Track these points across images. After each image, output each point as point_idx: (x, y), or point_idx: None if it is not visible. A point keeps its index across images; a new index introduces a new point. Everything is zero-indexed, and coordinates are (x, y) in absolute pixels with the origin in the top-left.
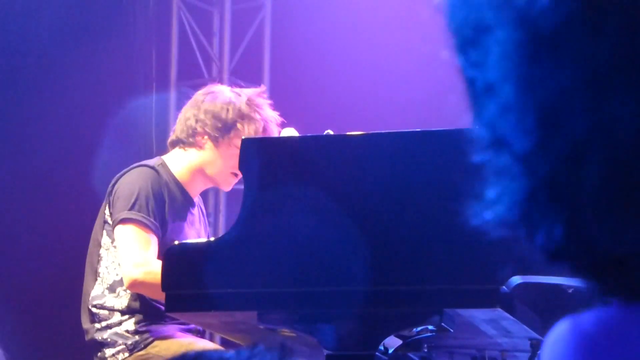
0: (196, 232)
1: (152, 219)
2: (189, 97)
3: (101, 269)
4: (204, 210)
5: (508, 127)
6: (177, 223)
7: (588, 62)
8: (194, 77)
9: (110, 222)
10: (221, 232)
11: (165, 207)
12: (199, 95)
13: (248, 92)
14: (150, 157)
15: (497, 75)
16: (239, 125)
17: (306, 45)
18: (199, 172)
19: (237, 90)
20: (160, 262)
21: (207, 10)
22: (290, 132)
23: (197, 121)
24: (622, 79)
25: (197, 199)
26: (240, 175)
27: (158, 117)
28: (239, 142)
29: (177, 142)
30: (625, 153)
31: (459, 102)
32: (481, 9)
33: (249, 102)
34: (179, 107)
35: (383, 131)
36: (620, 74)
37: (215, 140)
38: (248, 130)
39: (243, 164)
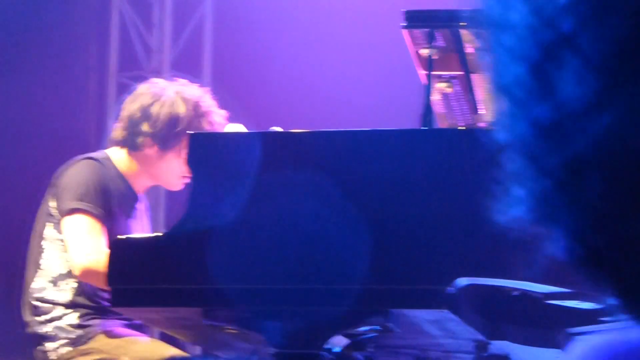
0: (141, 226)
1: (100, 210)
2: (128, 89)
3: (42, 262)
4: (148, 205)
5: (523, 127)
6: (122, 217)
7: (600, 61)
8: (133, 69)
9: (54, 214)
10: (161, 227)
11: (112, 200)
12: (144, 98)
13: (194, 94)
14: (87, 149)
15: (515, 75)
16: (187, 134)
17: (248, 38)
18: (144, 171)
19: (182, 91)
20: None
21: (147, 1)
22: (236, 127)
23: (143, 132)
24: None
25: (142, 195)
26: (187, 178)
27: (96, 108)
28: (185, 149)
29: (121, 144)
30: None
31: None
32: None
33: (196, 109)
34: (118, 99)
35: (333, 129)
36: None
37: (163, 151)
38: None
39: (191, 159)
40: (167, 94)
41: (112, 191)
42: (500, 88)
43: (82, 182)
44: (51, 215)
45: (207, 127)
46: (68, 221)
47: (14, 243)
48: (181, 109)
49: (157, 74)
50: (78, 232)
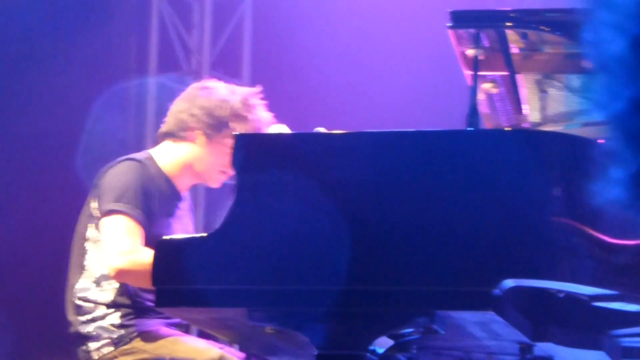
0: (183, 226)
1: (138, 211)
2: (168, 89)
3: (87, 262)
4: (192, 205)
5: (622, 104)
6: (164, 217)
7: None
8: (173, 70)
9: (96, 215)
10: (200, 227)
11: (152, 200)
12: (193, 89)
13: (243, 91)
14: (127, 150)
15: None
16: (231, 124)
17: (287, 38)
18: (188, 167)
19: (233, 87)
20: (146, 251)
21: (187, 2)
22: (280, 128)
23: (190, 115)
24: None
25: (185, 194)
26: (229, 174)
27: (136, 109)
28: (230, 141)
29: (168, 135)
30: None
31: (446, 99)
32: None
33: (244, 101)
34: (157, 100)
35: (377, 130)
36: None
37: (207, 137)
38: (240, 130)
39: (236, 160)
40: (217, 86)
41: (153, 192)
42: (600, 65)
43: (122, 184)
44: (93, 216)
45: (252, 122)
46: (105, 222)
47: (59, 244)
48: (229, 100)
49: (197, 74)
50: (114, 232)
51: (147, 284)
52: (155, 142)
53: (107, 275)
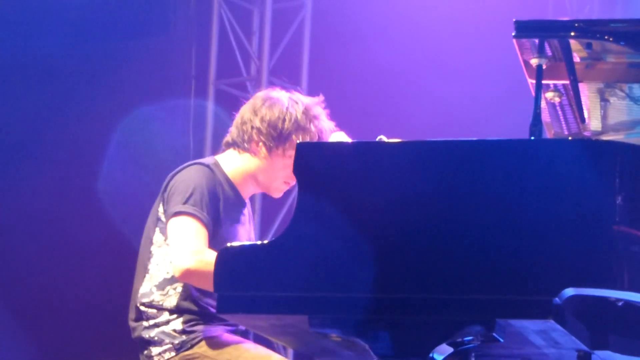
0: (246, 232)
1: (205, 214)
2: (227, 95)
3: (151, 266)
4: (251, 212)
5: None
6: (229, 222)
7: None
8: (233, 76)
9: (163, 219)
10: (255, 233)
11: (219, 204)
12: (257, 99)
13: (306, 101)
14: (187, 155)
15: None
16: (294, 137)
17: (345, 45)
18: (252, 176)
19: (296, 97)
20: (211, 253)
21: (247, 8)
22: (340, 136)
23: (252, 128)
24: None
25: (247, 201)
26: (291, 184)
27: (196, 115)
28: (293, 152)
29: (232, 145)
30: None
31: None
32: None
33: (306, 112)
34: (217, 105)
35: (440, 139)
36: None
37: (269, 149)
38: (302, 140)
39: (298, 169)
40: (280, 96)
41: (220, 196)
42: None
43: (191, 187)
44: (160, 220)
45: (314, 132)
46: (173, 223)
47: (128, 249)
48: (291, 110)
49: (256, 80)
50: (181, 233)
51: (210, 286)
52: (214, 150)
53: (170, 280)
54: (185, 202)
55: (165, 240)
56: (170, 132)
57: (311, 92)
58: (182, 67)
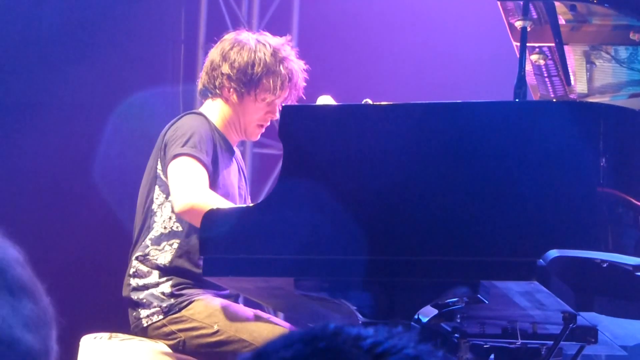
0: (236, 180)
1: (204, 155)
2: None
3: (150, 222)
4: (242, 163)
5: None
6: (225, 169)
7: None
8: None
9: (162, 177)
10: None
11: (217, 150)
12: (225, 42)
13: (274, 42)
14: (177, 113)
15: None
16: (264, 80)
17: (335, 9)
18: (229, 122)
19: (263, 39)
20: (212, 193)
21: None
22: (326, 99)
23: (222, 74)
24: None
25: (235, 149)
26: (264, 126)
27: (185, 78)
28: (264, 96)
29: (205, 92)
30: None
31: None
32: None
33: (275, 54)
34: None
35: (425, 101)
36: None
37: (240, 95)
38: (273, 84)
39: (282, 132)
40: (247, 39)
41: (216, 142)
42: None
43: (188, 132)
44: (158, 177)
45: (284, 74)
46: (173, 165)
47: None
48: (259, 54)
49: None
50: (182, 173)
51: None
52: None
53: (167, 235)
54: (183, 145)
55: (166, 197)
56: (160, 96)
57: (301, 56)
58: (171, 31)
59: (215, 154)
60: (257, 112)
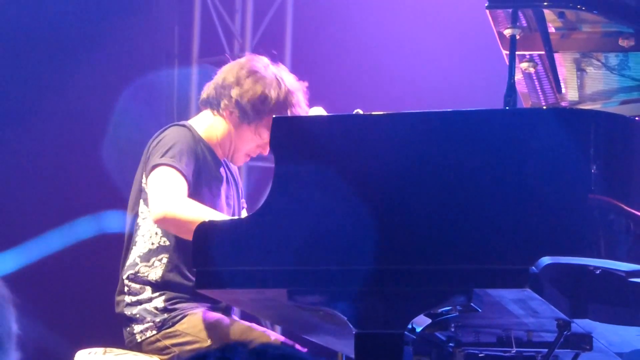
0: (225, 190)
1: (183, 165)
2: (210, 74)
3: (137, 238)
4: (235, 174)
5: None
6: (211, 180)
7: None
8: (215, 54)
9: (147, 190)
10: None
11: (199, 161)
12: (244, 69)
13: (290, 84)
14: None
15: None
16: (267, 118)
17: (328, 22)
18: (221, 141)
19: (281, 76)
20: (191, 201)
21: None
22: (318, 110)
23: (231, 97)
24: None
25: (225, 160)
26: (252, 157)
27: (180, 93)
28: (263, 131)
29: (207, 103)
30: None
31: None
32: None
33: (287, 97)
34: (200, 84)
35: (416, 111)
36: None
37: (241, 122)
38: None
39: (274, 142)
40: (267, 74)
41: (200, 155)
42: None
43: (169, 143)
44: (143, 190)
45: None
46: (152, 175)
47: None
48: (273, 92)
49: (239, 59)
50: (159, 182)
51: (188, 234)
52: None
53: (155, 251)
54: (162, 156)
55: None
56: (155, 111)
57: (294, 69)
58: (165, 45)
59: (198, 165)
60: (250, 142)
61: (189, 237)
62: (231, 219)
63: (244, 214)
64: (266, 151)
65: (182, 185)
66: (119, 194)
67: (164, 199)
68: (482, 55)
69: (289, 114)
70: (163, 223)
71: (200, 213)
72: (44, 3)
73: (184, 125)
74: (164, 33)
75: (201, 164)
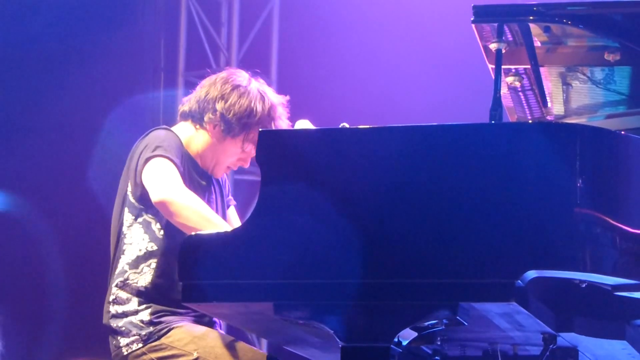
0: (206, 195)
1: (176, 160)
2: (196, 87)
3: (125, 247)
4: (224, 180)
5: None
6: (193, 184)
7: None
8: (201, 67)
9: (131, 198)
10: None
11: (184, 164)
12: (227, 83)
13: (273, 98)
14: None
15: None
16: (253, 132)
17: (314, 36)
18: (202, 153)
19: (263, 91)
20: (191, 192)
21: (215, 0)
22: (304, 124)
23: (215, 110)
24: None
25: (208, 170)
26: (232, 169)
27: (165, 106)
28: (247, 145)
29: (188, 116)
30: None
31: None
32: None
33: (270, 112)
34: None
35: (401, 125)
36: None
37: (225, 135)
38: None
39: (260, 156)
40: (250, 88)
41: (184, 156)
42: None
43: (157, 142)
44: (127, 199)
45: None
46: (147, 167)
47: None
48: (258, 107)
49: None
50: (156, 171)
51: (186, 220)
52: None
53: (144, 257)
54: (154, 150)
55: (135, 219)
56: (140, 124)
57: (280, 83)
58: (151, 59)
59: (184, 165)
60: (233, 155)
61: (185, 224)
62: (218, 233)
63: (232, 211)
64: (247, 164)
65: (177, 174)
66: (104, 205)
67: (166, 184)
68: (468, 69)
69: (272, 127)
70: (164, 206)
71: (200, 205)
72: (29, 18)
73: (167, 129)
74: (150, 46)
75: (185, 168)
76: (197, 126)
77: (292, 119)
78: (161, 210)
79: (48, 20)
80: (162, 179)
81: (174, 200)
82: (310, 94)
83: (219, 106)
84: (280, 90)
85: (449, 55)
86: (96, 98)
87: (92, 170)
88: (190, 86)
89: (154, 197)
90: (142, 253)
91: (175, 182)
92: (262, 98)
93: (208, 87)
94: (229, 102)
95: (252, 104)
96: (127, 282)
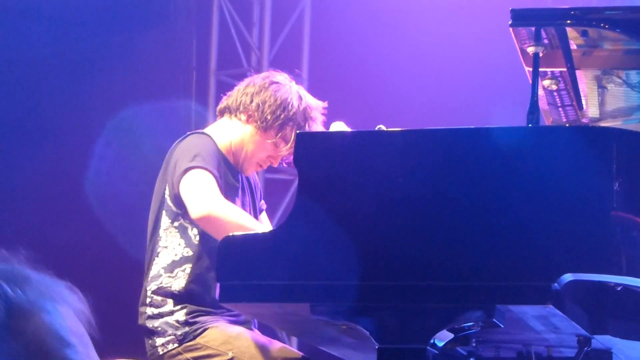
0: (241, 196)
1: (214, 170)
2: (228, 86)
3: (160, 250)
4: (252, 179)
5: None
6: (225, 189)
7: None
8: (233, 67)
9: (169, 201)
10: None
11: (220, 166)
12: (267, 79)
13: (310, 101)
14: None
15: None
16: (287, 128)
17: (345, 36)
18: (235, 147)
19: (302, 93)
20: (231, 204)
21: (247, 0)
22: (339, 126)
23: (251, 102)
24: None
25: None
26: (263, 167)
27: (197, 105)
28: (279, 142)
29: (225, 111)
30: None
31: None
32: None
33: (306, 111)
34: (218, 96)
35: (439, 127)
36: None
37: (258, 128)
38: (291, 136)
39: (297, 158)
40: (288, 87)
41: (221, 161)
42: None
43: (194, 150)
44: (165, 202)
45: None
46: (185, 178)
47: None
48: (294, 102)
49: (257, 71)
50: (195, 184)
51: (227, 234)
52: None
53: (179, 262)
54: (192, 160)
55: (171, 223)
56: (173, 123)
57: (312, 82)
58: (184, 58)
59: (221, 171)
60: (264, 151)
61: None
62: (255, 233)
63: (264, 216)
64: (277, 162)
65: (216, 186)
66: (137, 207)
67: (205, 199)
68: (504, 72)
69: (307, 127)
70: (205, 222)
71: (240, 216)
72: (61, 17)
73: (203, 133)
74: (182, 46)
75: (221, 172)
76: (233, 117)
77: (327, 119)
78: (201, 225)
79: (82, 19)
80: (200, 194)
81: (212, 217)
82: (342, 93)
83: (256, 98)
84: (311, 91)
85: (485, 58)
86: (128, 97)
87: (126, 170)
88: (221, 85)
89: (193, 214)
90: (177, 258)
91: (213, 197)
92: (300, 97)
93: (247, 82)
94: (265, 94)
95: (289, 99)
96: (162, 286)
